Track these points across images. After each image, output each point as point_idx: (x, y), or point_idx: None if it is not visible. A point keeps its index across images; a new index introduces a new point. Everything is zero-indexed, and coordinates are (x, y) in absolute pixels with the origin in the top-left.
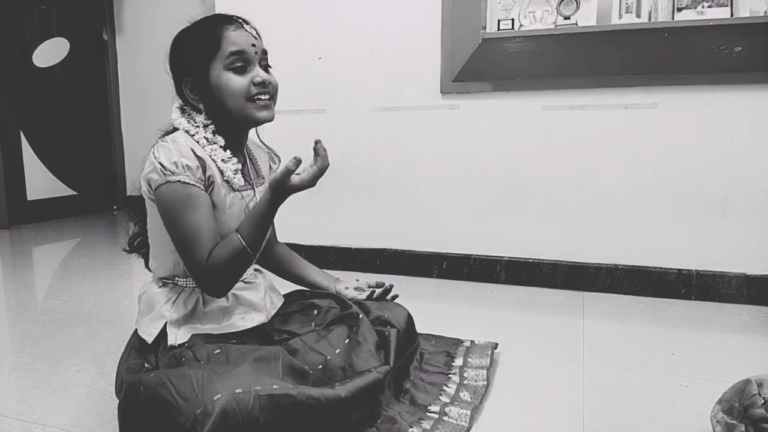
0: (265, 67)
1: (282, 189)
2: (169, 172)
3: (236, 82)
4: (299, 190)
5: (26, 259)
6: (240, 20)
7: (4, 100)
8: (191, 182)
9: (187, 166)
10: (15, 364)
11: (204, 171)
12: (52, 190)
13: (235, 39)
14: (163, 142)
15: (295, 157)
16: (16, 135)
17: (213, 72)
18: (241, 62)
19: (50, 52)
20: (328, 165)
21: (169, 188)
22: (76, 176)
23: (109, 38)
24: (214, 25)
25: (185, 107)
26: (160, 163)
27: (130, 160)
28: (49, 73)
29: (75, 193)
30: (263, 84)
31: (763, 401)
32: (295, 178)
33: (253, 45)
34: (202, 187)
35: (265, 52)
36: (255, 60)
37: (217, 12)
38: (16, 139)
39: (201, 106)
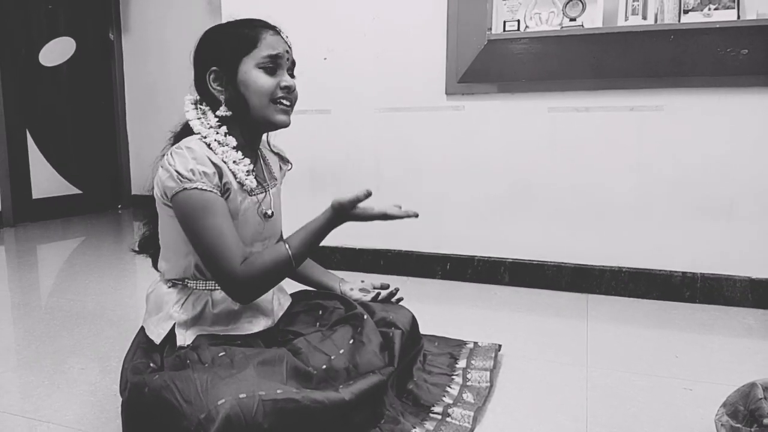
0: (291, 75)
1: (344, 213)
2: (186, 180)
3: (264, 80)
4: (358, 220)
5: (31, 257)
6: (278, 29)
7: (10, 99)
8: (208, 189)
9: (203, 172)
10: (19, 361)
11: (221, 177)
12: (58, 189)
13: (272, 42)
14: (177, 149)
15: (367, 190)
16: (22, 133)
17: (243, 67)
18: (272, 64)
19: (56, 52)
20: (392, 217)
21: (186, 195)
22: (81, 175)
23: (116, 38)
24: (254, 26)
25: (200, 102)
26: (177, 171)
27: (135, 160)
28: (56, 73)
29: (80, 191)
30: (289, 89)
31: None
32: (359, 208)
33: (287, 52)
34: (219, 194)
35: (294, 63)
36: (285, 67)
37: (222, 12)
38: (22, 137)
39: (222, 98)
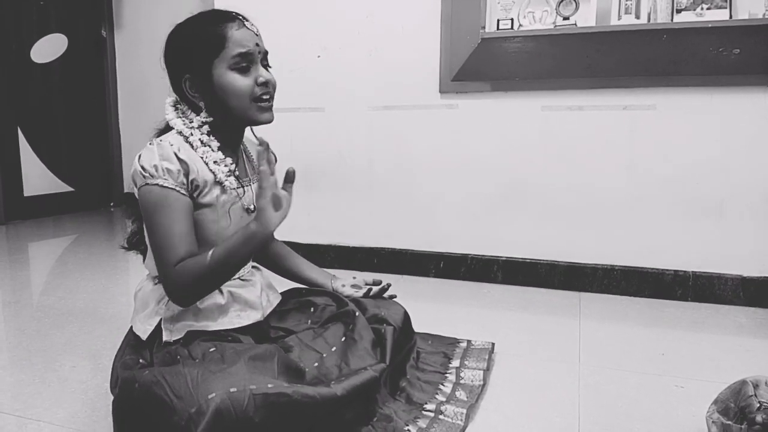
0: (266, 66)
1: (259, 218)
2: (148, 175)
3: (241, 82)
4: (275, 219)
5: (22, 255)
6: (240, 17)
7: (1, 96)
8: (170, 186)
9: (167, 169)
10: (10, 359)
11: (187, 175)
12: (49, 187)
13: (240, 39)
14: (149, 145)
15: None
16: (13, 131)
17: (216, 71)
18: (245, 62)
19: (48, 48)
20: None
21: (146, 190)
22: (73, 173)
23: (108, 35)
24: (216, 22)
25: (179, 104)
26: (141, 166)
27: (127, 157)
28: (47, 69)
29: (72, 189)
30: (266, 84)
31: (758, 405)
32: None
33: (257, 44)
34: (183, 191)
35: (266, 53)
36: (258, 59)
37: (215, 8)
38: (13, 134)
39: (201, 104)
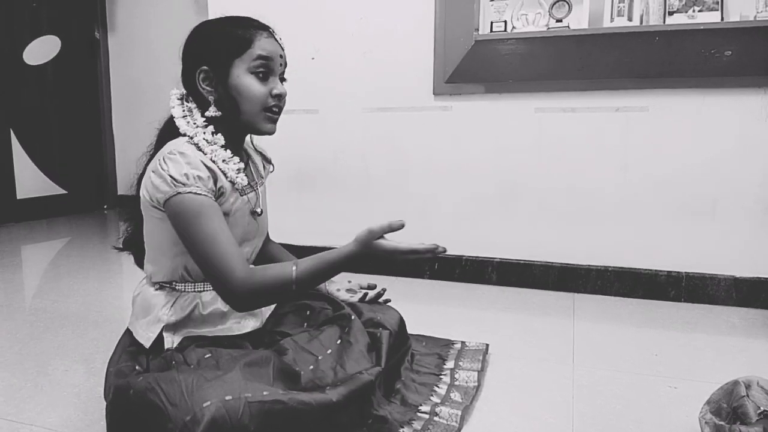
0: (282, 81)
1: (368, 244)
2: (180, 184)
3: (257, 88)
4: (379, 256)
5: (15, 258)
6: (271, 30)
7: None
8: (203, 193)
9: (198, 176)
10: (2, 363)
11: (215, 182)
12: (42, 189)
13: (266, 45)
14: (170, 155)
15: (401, 220)
16: (6, 133)
17: (235, 70)
18: (265, 69)
19: (41, 50)
20: (418, 252)
21: (180, 199)
22: (66, 175)
23: (102, 37)
24: (247, 26)
25: (186, 98)
26: (171, 176)
27: (121, 160)
28: (40, 71)
29: (65, 192)
30: (279, 97)
31: (760, 413)
32: (385, 239)
33: (281, 56)
34: (213, 198)
35: (286, 65)
36: (277, 71)
37: (209, 11)
38: (6, 137)
39: (211, 99)
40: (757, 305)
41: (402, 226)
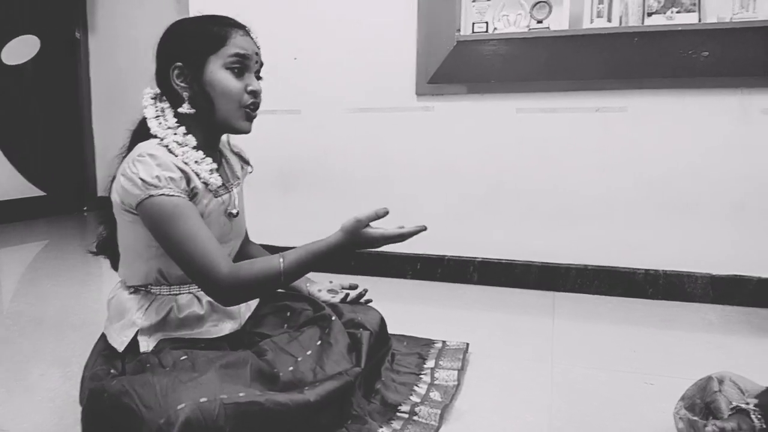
0: (258, 78)
1: (356, 233)
2: (151, 186)
3: (232, 83)
4: (366, 244)
5: None
6: (247, 28)
7: None
8: (176, 194)
9: (170, 178)
10: None
11: (188, 182)
12: (21, 191)
13: (242, 42)
14: (139, 157)
15: (384, 208)
16: None
17: (210, 66)
18: (240, 65)
19: (20, 50)
20: (405, 237)
21: (152, 202)
22: (45, 177)
23: (82, 37)
24: (223, 23)
25: (160, 98)
26: (141, 178)
27: (101, 161)
28: (19, 71)
29: (44, 193)
30: (255, 94)
31: (733, 408)
32: (371, 227)
33: (256, 54)
34: (187, 198)
35: (262, 65)
36: (253, 69)
37: (189, 10)
38: None
39: (185, 95)
40: (734, 302)
41: (386, 213)
